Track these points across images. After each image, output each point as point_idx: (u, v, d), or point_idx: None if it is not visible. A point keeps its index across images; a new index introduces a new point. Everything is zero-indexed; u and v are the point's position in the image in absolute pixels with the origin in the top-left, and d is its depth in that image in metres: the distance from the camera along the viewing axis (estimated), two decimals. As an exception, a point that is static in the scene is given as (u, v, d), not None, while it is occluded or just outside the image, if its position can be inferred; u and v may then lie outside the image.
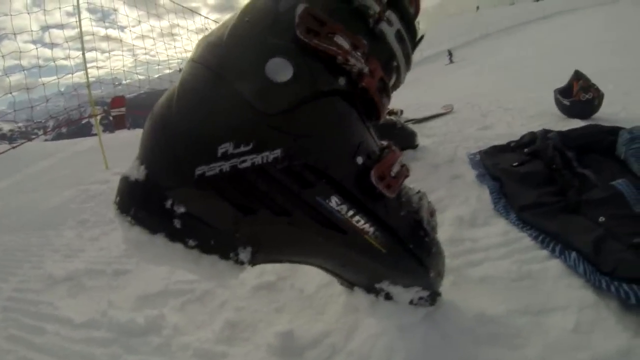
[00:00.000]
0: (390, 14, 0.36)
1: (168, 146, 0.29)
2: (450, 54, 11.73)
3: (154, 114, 0.32)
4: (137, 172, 0.30)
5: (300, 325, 0.49)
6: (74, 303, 0.67)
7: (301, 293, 0.55)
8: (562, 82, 1.39)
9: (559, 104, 1.35)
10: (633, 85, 1.81)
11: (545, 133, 0.95)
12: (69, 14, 2.26)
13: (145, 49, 3.09)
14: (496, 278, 0.50)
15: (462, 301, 0.46)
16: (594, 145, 0.86)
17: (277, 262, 0.36)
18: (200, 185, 0.29)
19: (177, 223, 0.29)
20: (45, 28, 2.39)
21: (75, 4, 2.09)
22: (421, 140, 1.13)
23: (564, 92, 1.35)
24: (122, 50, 2.89)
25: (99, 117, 2.35)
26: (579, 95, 1.29)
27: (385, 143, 0.38)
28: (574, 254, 0.51)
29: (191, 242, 0.30)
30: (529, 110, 1.49)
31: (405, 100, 2.16)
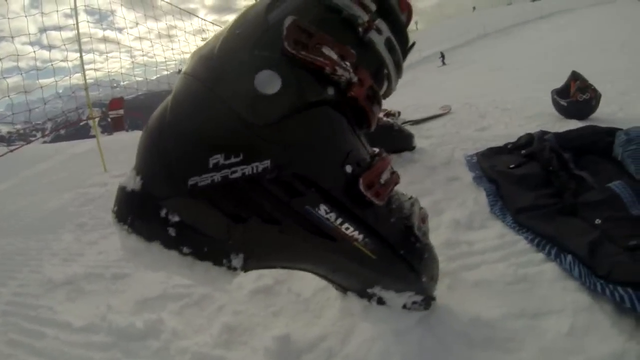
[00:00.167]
0: (380, 23, 0.37)
1: (162, 157, 0.31)
2: (442, 56, 11.77)
3: (149, 125, 0.33)
4: (133, 183, 0.31)
5: (297, 329, 0.49)
6: (73, 307, 0.67)
7: (298, 297, 0.55)
8: (560, 82, 1.40)
9: (556, 104, 1.36)
10: (630, 85, 1.82)
11: (542, 134, 0.95)
12: (66, 16, 2.26)
13: (143, 50, 3.09)
14: (492, 282, 0.50)
15: (457, 305, 0.46)
16: (591, 146, 0.86)
17: (270, 268, 0.37)
18: (193, 195, 0.30)
19: (172, 231, 0.30)
20: (43, 30, 2.39)
21: (73, 6, 2.09)
22: (419, 142, 1.14)
23: (561, 93, 1.36)
24: (120, 52, 2.89)
25: (97, 119, 2.34)
26: (576, 95, 1.29)
27: (376, 150, 0.39)
28: (569, 257, 0.51)
29: (185, 250, 0.31)
30: (527, 110, 1.49)
31: (404, 101, 2.16)
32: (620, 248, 0.51)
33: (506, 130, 1.26)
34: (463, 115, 1.59)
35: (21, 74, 2.16)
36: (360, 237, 0.36)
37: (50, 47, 2.41)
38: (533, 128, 1.18)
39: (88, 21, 2.29)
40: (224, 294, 0.59)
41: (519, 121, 1.36)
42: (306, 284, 0.56)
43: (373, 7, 0.36)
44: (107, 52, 2.75)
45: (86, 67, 2.05)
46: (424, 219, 0.42)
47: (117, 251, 0.83)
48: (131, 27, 2.78)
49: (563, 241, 0.54)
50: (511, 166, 0.85)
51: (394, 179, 0.38)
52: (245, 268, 0.33)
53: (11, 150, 2.08)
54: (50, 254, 0.93)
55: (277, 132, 0.31)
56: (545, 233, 0.58)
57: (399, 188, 0.41)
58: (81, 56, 2.06)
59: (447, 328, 0.43)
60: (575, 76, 1.35)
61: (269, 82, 0.31)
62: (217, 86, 0.31)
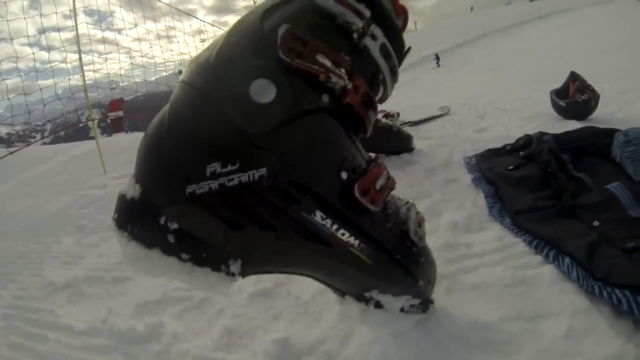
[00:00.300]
0: (375, 29, 0.37)
1: (160, 166, 0.31)
2: (437, 57, 11.81)
3: (148, 133, 0.33)
4: (133, 191, 0.32)
5: (296, 332, 0.49)
6: (74, 310, 0.67)
7: (297, 300, 0.55)
8: (559, 82, 1.40)
9: (555, 105, 1.36)
10: (629, 84, 1.82)
11: (540, 136, 0.95)
12: (65, 17, 2.26)
13: (141, 51, 3.09)
14: (490, 284, 0.50)
15: (455, 308, 0.46)
16: (589, 147, 0.86)
17: (267, 273, 0.38)
18: (191, 203, 0.30)
19: (171, 238, 0.31)
20: (42, 31, 2.39)
21: (72, 7, 2.09)
22: (417, 143, 1.14)
23: (560, 94, 1.36)
24: (119, 53, 2.89)
25: (96, 120, 2.34)
26: (575, 96, 1.29)
27: (372, 155, 0.39)
28: (567, 260, 0.51)
29: (184, 256, 0.31)
30: (526, 111, 1.49)
31: (403, 101, 2.16)
32: (618, 250, 0.51)
33: (505, 131, 1.27)
34: (462, 116, 1.59)
35: (20, 75, 2.16)
36: (356, 242, 0.36)
37: (49, 49, 2.42)
38: (532, 129, 1.18)
39: (87, 23, 2.29)
40: (223, 297, 0.59)
41: (517, 122, 1.36)
42: (305, 287, 0.56)
43: (367, 13, 0.37)
44: (106, 53, 2.76)
45: (85, 68, 2.06)
46: (420, 223, 0.42)
47: (117, 254, 0.83)
48: (130, 28, 2.77)
49: (561, 243, 0.54)
50: (510, 168, 0.85)
51: (390, 184, 0.38)
52: (243, 274, 0.34)
53: (11, 153, 2.08)
54: (51, 256, 0.94)
55: (272, 140, 0.31)
56: (543, 235, 0.58)
57: (398, 189, 0.41)
58: (80, 57, 2.07)
59: (445, 331, 0.43)
60: (574, 77, 1.36)
61: (263, 91, 0.31)
62: (214, 95, 0.31)
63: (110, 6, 2.58)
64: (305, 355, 0.45)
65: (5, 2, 2.13)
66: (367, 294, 0.42)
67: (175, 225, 0.31)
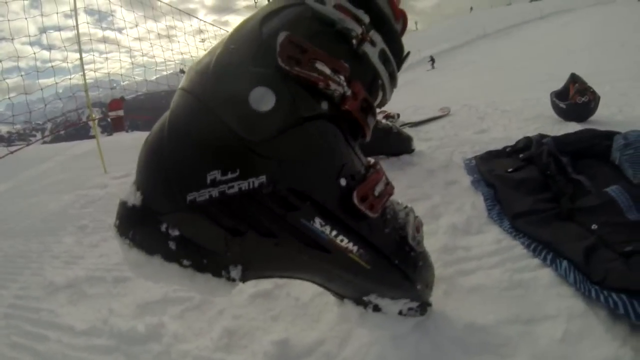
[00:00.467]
0: (374, 34, 0.37)
1: (161, 173, 0.31)
2: (432, 59, 11.85)
3: (149, 140, 0.34)
4: (134, 198, 0.32)
5: (295, 333, 0.50)
6: (75, 310, 0.67)
7: (297, 301, 0.56)
8: (559, 82, 1.40)
9: (555, 107, 1.36)
10: (630, 85, 1.82)
11: (540, 138, 0.95)
12: (66, 16, 2.26)
13: (142, 50, 3.09)
14: (487, 287, 0.50)
15: (453, 311, 0.47)
16: (588, 150, 0.87)
17: (267, 277, 0.38)
18: (192, 210, 0.31)
19: (172, 245, 0.31)
20: (43, 30, 2.39)
21: (73, 6, 2.09)
22: (417, 145, 1.14)
23: (560, 95, 1.36)
24: (120, 52, 2.89)
25: (96, 119, 2.35)
26: (575, 98, 1.29)
27: (371, 161, 0.39)
28: (564, 263, 0.52)
29: (185, 262, 0.32)
30: (526, 112, 1.50)
31: (403, 101, 2.17)
32: (615, 254, 0.51)
33: (505, 132, 1.27)
34: (462, 117, 1.59)
35: (21, 75, 2.16)
36: (355, 248, 0.36)
37: (50, 48, 2.42)
38: (532, 131, 1.18)
39: (88, 22, 2.29)
40: (224, 298, 0.60)
41: (517, 123, 1.37)
42: (305, 288, 0.56)
43: (366, 19, 0.37)
44: (107, 52, 2.76)
45: (86, 67, 2.06)
46: (418, 228, 0.42)
47: (117, 254, 0.84)
48: (131, 28, 2.77)
49: (559, 247, 0.55)
50: (509, 170, 0.86)
51: (388, 190, 0.38)
52: (244, 279, 0.34)
53: (12, 152, 2.09)
54: (51, 256, 0.94)
55: (272, 148, 0.31)
56: (541, 238, 0.58)
57: (398, 190, 0.42)
58: (81, 57, 2.07)
59: (443, 333, 0.43)
60: (574, 78, 1.36)
61: (263, 99, 0.31)
62: (213, 103, 0.32)
63: (110, 5, 2.58)
64: (305, 356, 0.46)
65: (6, 2, 2.13)
66: (365, 298, 0.42)
67: (176, 232, 0.31)
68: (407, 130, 1.23)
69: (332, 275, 0.38)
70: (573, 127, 1.20)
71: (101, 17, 2.67)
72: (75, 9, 2.10)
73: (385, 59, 0.39)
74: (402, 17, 0.41)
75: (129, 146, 2.38)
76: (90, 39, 2.43)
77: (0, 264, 0.97)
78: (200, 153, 0.31)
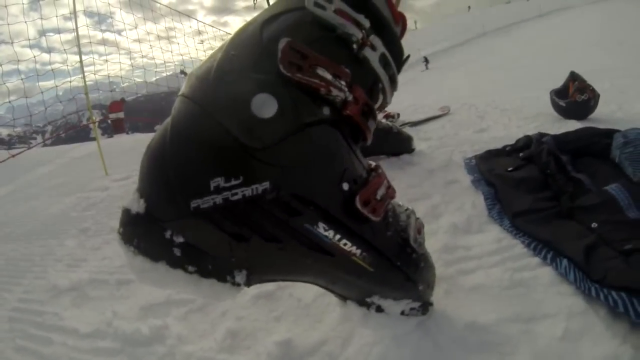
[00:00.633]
0: (374, 39, 0.37)
1: (164, 181, 0.31)
2: (425, 60, 11.89)
3: (151, 148, 0.34)
4: (138, 205, 0.32)
5: (298, 333, 0.50)
6: (79, 313, 0.68)
7: (299, 302, 0.56)
8: (559, 80, 1.40)
9: (555, 105, 1.36)
10: (629, 83, 1.82)
11: (540, 137, 0.96)
12: (66, 19, 2.27)
13: (142, 52, 3.10)
14: (488, 286, 0.51)
15: (454, 310, 0.47)
16: (588, 148, 0.87)
17: (271, 281, 0.38)
18: (196, 217, 0.31)
19: (177, 251, 0.31)
20: (42, 33, 2.39)
21: (72, 9, 2.10)
22: (418, 144, 1.15)
23: (559, 93, 1.36)
24: (119, 54, 2.90)
25: (97, 121, 2.35)
26: (574, 96, 1.29)
27: (372, 164, 0.40)
28: (565, 262, 0.52)
29: (190, 268, 0.32)
30: (526, 111, 1.50)
31: (403, 100, 2.17)
32: (615, 252, 0.52)
33: (505, 131, 1.27)
34: (462, 116, 1.59)
35: (21, 78, 2.17)
36: (358, 251, 0.37)
37: (50, 50, 2.43)
38: (532, 129, 1.19)
39: (87, 25, 2.30)
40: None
41: (517, 122, 1.37)
42: (307, 289, 0.57)
43: (367, 23, 0.37)
44: (106, 55, 2.77)
45: (86, 69, 2.06)
46: (419, 230, 0.43)
47: (120, 257, 0.84)
48: (130, 30, 2.78)
49: (559, 245, 0.55)
50: (509, 169, 0.86)
51: (390, 193, 0.39)
52: (249, 283, 0.34)
53: (13, 156, 2.09)
54: (54, 259, 0.94)
55: (275, 154, 0.32)
56: (541, 237, 0.58)
57: (398, 190, 0.42)
58: (81, 59, 2.07)
59: (444, 333, 0.44)
60: (573, 77, 1.36)
61: (265, 106, 0.31)
62: (215, 110, 0.32)
63: (110, 8, 2.59)
64: (307, 356, 0.46)
65: (5, 5, 2.14)
66: (368, 299, 0.42)
67: (180, 239, 0.31)
68: (407, 130, 1.24)
69: (336, 278, 0.39)
70: (573, 125, 1.20)
71: (100, 19, 2.69)
72: (74, 12, 2.11)
73: (385, 63, 0.39)
74: (401, 20, 0.42)
75: (130, 148, 2.38)
76: (90, 41, 2.44)
77: (3, 267, 0.98)
78: (203, 160, 0.31)
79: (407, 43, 0.43)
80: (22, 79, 2.16)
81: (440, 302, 0.47)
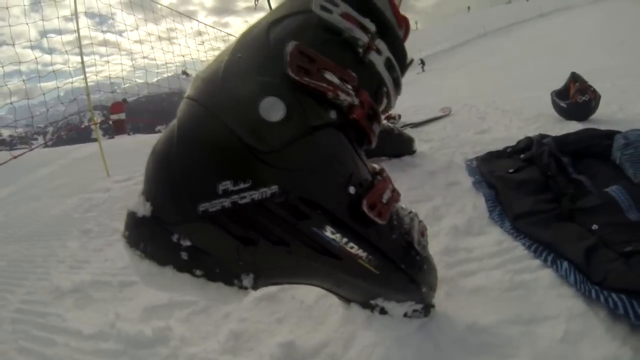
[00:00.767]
0: (380, 43, 0.38)
1: (171, 184, 0.31)
2: (422, 62, 11.92)
3: (157, 150, 0.33)
4: (143, 209, 0.32)
5: (300, 335, 0.50)
6: (82, 315, 0.68)
7: (301, 304, 0.56)
8: (560, 80, 1.41)
9: (556, 106, 1.37)
10: (630, 83, 1.82)
11: (541, 138, 0.96)
12: (67, 20, 2.27)
13: (142, 52, 3.11)
14: (489, 288, 0.51)
15: (455, 312, 0.48)
16: (589, 150, 0.87)
17: (278, 284, 0.39)
18: (203, 221, 0.31)
19: (184, 255, 0.31)
20: (44, 34, 2.40)
21: (73, 10, 2.10)
22: (419, 146, 1.15)
23: (560, 94, 1.37)
24: (121, 55, 2.91)
25: (98, 122, 2.36)
26: (575, 97, 1.30)
27: (377, 168, 0.40)
28: (565, 264, 0.52)
29: (198, 272, 0.32)
30: (526, 112, 1.50)
31: (404, 102, 2.17)
32: (616, 254, 0.52)
33: (506, 132, 1.27)
34: (463, 117, 1.60)
35: (23, 79, 2.17)
36: (364, 254, 0.37)
37: (51, 51, 2.43)
38: (533, 130, 1.19)
39: (89, 26, 2.31)
40: (229, 301, 0.60)
41: (518, 123, 1.37)
42: (309, 291, 0.57)
43: (373, 28, 0.37)
44: (107, 55, 2.77)
45: (87, 70, 2.07)
46: (423, 232, 0.43)
47: (123, 258, 0.84)
48: (131, 30, 2.78)
49: (560, 247, 0.55)
50: (510, 171, 0.86)
51: (395, 197, 0.39)
52: (255, 287, 0.34)
53: (15, 157, 2.09)
54: (57, 261, 0.95)
55: (283, 158, 0.32)
56: (542, 239, 0.59)
57: (400, 192, 0.42)
58: (82, 60, 2.08)
59: (446, 334, 0.44)
60: (574, 77, 1.36)
61: (273, 109, 0.31)
62: (222, 112, 0.32)
63: (111, 9, 2.60)
64: (310, 358, 0.47)
65: (7, 7, 2.14)
66: (372, 302, 0.43)
67: (187, 243, 0.31)
68: (408, 131, 1.24)
69: (342, 280, 0.39)
70: (574, 126, 1.20)
71: (102, 20, 2.69)
72: (75, 13, 2.11)
73: (390, 67, 0.39)
74: (404, 23, 0.42)
75: (131, 149, 2.39)
76: (91, 42, 2.45)
77: (5, 268, 0.98)
78: (211, 163, 0.31)
79: (408, 43, 0.43)
80: (23, 80, 2.17)
81: (441, 304, 0.48)
